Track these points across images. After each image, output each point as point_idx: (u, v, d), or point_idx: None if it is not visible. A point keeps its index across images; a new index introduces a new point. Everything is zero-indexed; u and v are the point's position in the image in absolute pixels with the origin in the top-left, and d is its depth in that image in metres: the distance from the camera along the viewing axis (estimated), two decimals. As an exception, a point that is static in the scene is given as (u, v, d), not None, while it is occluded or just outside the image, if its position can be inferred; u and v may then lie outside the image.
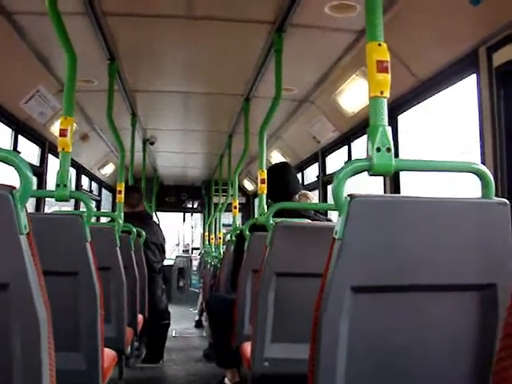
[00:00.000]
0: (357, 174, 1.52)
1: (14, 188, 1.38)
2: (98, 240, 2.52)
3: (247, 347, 2.99)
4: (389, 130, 1.54)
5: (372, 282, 1.45)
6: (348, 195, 1.44)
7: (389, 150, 1.51)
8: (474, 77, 3.20)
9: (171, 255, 11.72)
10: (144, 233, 4.78)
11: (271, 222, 2.75)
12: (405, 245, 1.46)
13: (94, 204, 8.70)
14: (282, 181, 3.65)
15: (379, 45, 1.61)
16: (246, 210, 11.49)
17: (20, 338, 1.38)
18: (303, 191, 4.71)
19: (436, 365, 1.51)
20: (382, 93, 1.56)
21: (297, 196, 3.71)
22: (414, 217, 1.47)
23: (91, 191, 8.67)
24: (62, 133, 2.70)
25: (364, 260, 1.44)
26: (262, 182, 3.76)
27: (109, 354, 2.73)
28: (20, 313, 1.38)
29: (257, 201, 11.30)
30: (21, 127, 5.00)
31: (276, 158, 7.50)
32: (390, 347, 1.50)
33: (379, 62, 1.58)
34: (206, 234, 11.18)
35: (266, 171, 3.84)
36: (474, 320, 1.51)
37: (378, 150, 1.51)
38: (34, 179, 5.22)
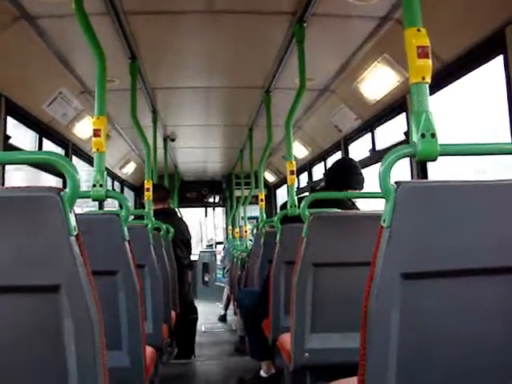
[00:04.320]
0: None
1: (62, 190, 1.39)
2: (132, 238, 2.53)
3: (285, 339, 2.99)
4: (432, 115, 1.53)
5: (422, 268, 1.44)
6: (394, 182, 1.43)
7: (433, 135, 1.50)
8: (500, 58, 3.16)
9: (195, 251, 11.76)
10: (172, 229, 4.80)
11: (306, 212, 2.75)
12: (454, 229, 1.45)
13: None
14: (349, 174, 3.60)
15: (418, 30, 1.59)
16: (268, 201, 11.49)
17: (74, 339, 1.39)
18: None
19: (490, 353, 1.50)
20: (423, 78, 1.55)
21: None
22: (462, 201, 1.45)
23: (113, 190, 8.72)
24: (96, 133, 2.71)
25: (413, 246, 1.43)
26: (292, 173, 3.75)
27: (149, 351, 2.74)
28: (73, 313, 1.39)
29: (279, 192, 11.32)
30: (44, 130, 5.04)
31: (298, 148, 7.48)
32: (442, 334, 1.48)
33: (419, 47, 1.56)
34: (230, 227, 11.20)
35: (294, 162, 3.83)
36: None
37: (423, 135, 1.50)
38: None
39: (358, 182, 3.60)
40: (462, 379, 1.50)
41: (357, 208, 3.55)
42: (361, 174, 3.64)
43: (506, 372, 1.51)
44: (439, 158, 1.53)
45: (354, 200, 3.62)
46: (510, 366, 1.50)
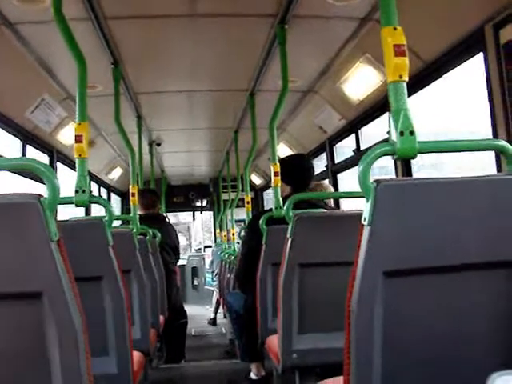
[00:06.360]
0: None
1: (42, 196, 1.38)
2: (116, 243, 2.53)
3: (273, 341, 2.99)
4: (410, 113, 1.54)
5: (404, 265, 1.44)
6: (374, 180, 1.43)
7: (412, 133, 1.51)
8: (480, 55, 3.18)
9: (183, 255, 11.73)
10: (159, 234, 4.79)
11: (291, 213, 2.75)
12: (434, 226, 1.46)
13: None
14: (301, 170, 3.61)
15: (394, 29, 1.60)
16: (255, 204, 11.46)
17: (58, 346, 1.38)
18: (318, 182, 4.72)
19: (474, 349, 1.51)
20: (401, 77, 1.56)
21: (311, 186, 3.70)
22: (442, 198, 1.46)
23: (100, 196, 8.67)
24: (78, 139, 2.71)
25: (395, 244, 1.44)
26: (276, 174, 3.75)
27: (137, 356, 2.73)
28: (56, 320, 1.38)
29: (265, 194, 11.31)
30: (28, 137, 5.01)
31: (283, 150, 7.49)
32: (426, 331, 1.49)
33: (396, 46, 1.58)
34: (218, 231, 11.18)
35: (278, 164, 3.82)
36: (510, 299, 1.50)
37: (402, 133, 1.51)
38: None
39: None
40: (447, 376, 1.51)
41: (330, 208, 3.57)
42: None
43: (490, 367, 1.52)
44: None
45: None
46: (494, 361, 1.51)
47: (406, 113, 1.54)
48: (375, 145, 1.59)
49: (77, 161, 2.73)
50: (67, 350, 1.39)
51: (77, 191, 2.67)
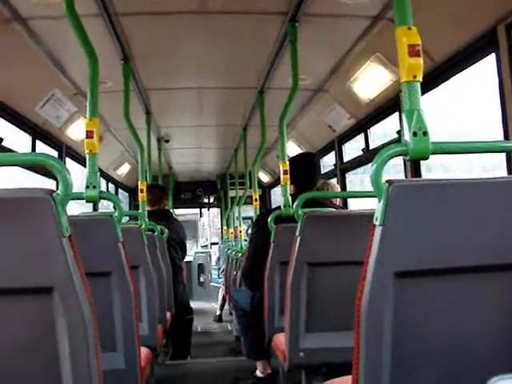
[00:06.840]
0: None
1: (54, 191, 1.38)
2: (125, 239, 2.53)
3: (280, 339, 2.99)
4: (424, 113, 1.53)
5: (416, 266, 1.44)
6: (386, 181, 1.43)
7: (425, 133, 1.50)
8: (492, 56, 3.17)
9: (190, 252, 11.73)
10: (167, 230, 4.79)
11: (300, 212, 2.74)
12: (447, 227, 1.45)
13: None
14: (304, 169, 3.62)
15: (409, 28, 1.59)
16: (263, 202, 11.44)
17: (68, 341, 1.39)
18: (325, 180, 4.72)
19: (484, 350, 1.50)
20: (415, 77, 1.55)
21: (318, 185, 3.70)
22: (455, 199, 1.45)
23: (109, 192, 8.68)
24: (89, 134, 2.71)
25: (406, 245, 1.43)
26: (285, 173, 3.74)
27: (144, 352, 2.74)
28: (66, 315, 1.38)
29: (273, 192, 11.31)
30: (38, 132, 5.03)
31: (292, 148, 7.48)
32: (436, 333, 1.48)
33: (410, 45, 1.57)
34: (225, 228, 11.18)
35: (287, 162, 3.82)
36: None
37: (415, 134, 1.50)
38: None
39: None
40: (457, 377, 1.50)
41: (338, 207, 3.58)
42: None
43: (503, 369, 1.51)
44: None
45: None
46: (507, 363, 1.50)
47: (420, 113, 1.53)
48: (386, 144, 1.59)
49: (87, 156, 2.74)
50: (77, 345, 1.40)
51: (87, 187, 2.68)
